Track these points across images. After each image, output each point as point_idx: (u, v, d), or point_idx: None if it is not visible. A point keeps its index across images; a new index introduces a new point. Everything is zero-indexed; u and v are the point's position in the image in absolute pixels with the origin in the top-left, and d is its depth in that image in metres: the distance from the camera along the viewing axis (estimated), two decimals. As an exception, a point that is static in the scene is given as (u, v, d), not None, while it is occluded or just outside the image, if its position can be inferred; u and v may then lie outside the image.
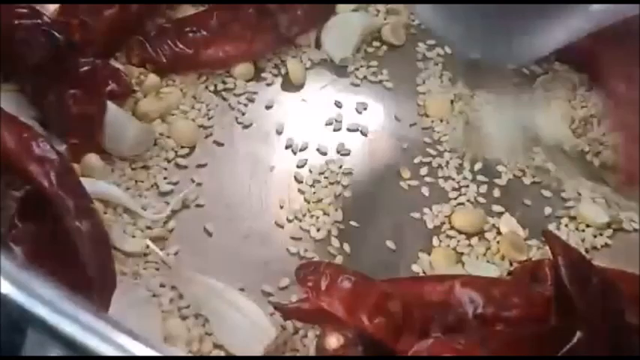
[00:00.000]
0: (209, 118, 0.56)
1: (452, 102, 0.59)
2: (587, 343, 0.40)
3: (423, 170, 0.56)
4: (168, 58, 0.56)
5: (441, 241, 0.52)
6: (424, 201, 0.54)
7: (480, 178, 0.56)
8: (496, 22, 0.37)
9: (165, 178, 0.52)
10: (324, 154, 0.55)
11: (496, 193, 0.55)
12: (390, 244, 0.52)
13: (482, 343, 0.40)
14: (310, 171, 0.54)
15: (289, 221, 0.52)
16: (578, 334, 0.40)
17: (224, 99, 0.57)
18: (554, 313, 0.42)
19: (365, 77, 0.60)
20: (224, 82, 0.57)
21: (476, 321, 0.43)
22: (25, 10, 0.49)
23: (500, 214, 0.54)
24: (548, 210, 0.55)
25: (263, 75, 0.58)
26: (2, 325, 0.26)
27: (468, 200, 0.55)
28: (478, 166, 0.56)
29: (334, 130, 0.57)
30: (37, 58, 0.49)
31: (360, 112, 0.58)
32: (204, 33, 0.56)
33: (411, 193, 0.55)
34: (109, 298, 0.42)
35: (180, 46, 0.56)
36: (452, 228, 0.53)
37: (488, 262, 0.52)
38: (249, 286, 0.49)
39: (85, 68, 0.50)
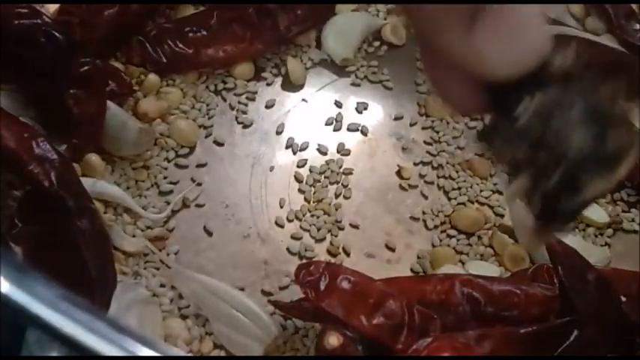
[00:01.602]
0: (209, 118, 0.56)
1: (452, 102, 0.59)
2: (584, 341, 0.40)
3: (423, 170, 0.56)
4: (169, 58, 0.56)
5: (441, 240, 0.52)
6: (424, 201, 0.54)
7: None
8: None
9: (165, 178, 0.53)
10: (324, 153, 0.55)
11: (496, 193, 0.55)
12: (390, 244, 0.52)
13: (481, 343, 0.40)
14: (310, 171, 0.54)
15: (289, 221, 0.52)
16: (575, 332, 0.40)
17: (224, 99, 0.57)
18: (558, 312, 0.42)
19: (365, 77, 0.60)
20: (224, 82, 0.57)
21: (476, 320, 0.43)
22: (25, 10, 0.49)
23: (500, 215, 0.54)
24: (548, 210, 0.55)
25: (263, 75, 0.58)
26: (2, 325, 0.26)
27: (469, 200, 0.55)
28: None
29: (334, 130, 0.57)
30: (37, 58, 0.49)
31: (360, 112, 0.58)
32: (204, 33, 0.56)
33: (411, 193, 0.55)
34: (109, 298, 0.42)
35: (181, 46, 0.56)
36: (452, 228, 0.53)
37: (488, 261, 0.52)
38: (249, 286, 0.49)
39: (85, 68, 0.50)
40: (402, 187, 0.55)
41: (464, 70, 0.23)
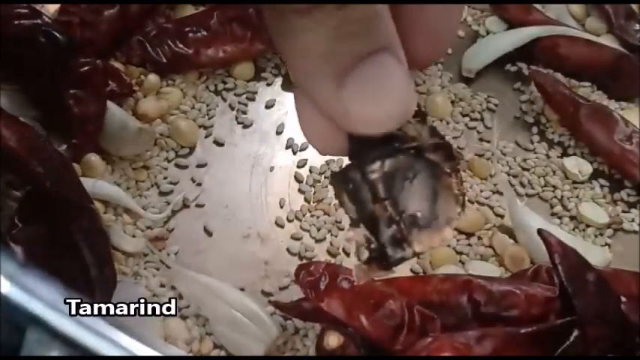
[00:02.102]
0: (209, 118, 0.56)
1: (452, 102, 0.59)
2: (584, 341, 0.40)
3: (423, 170, 0.56)
4: (169, 58, 0.56)
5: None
6: (424, 201, 0.54)
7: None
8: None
9: (165, 178, 0.53)
10: (325, 154, 0.55)
11: (496, 193, 0.55)
12: (390, 244, 0.52)
13: (481, 343, 0.40)
14: (310, 171, 0.54)
15: (289, 221, 0.52)
16: (575, 332, 0.40)
17: (224, 99, 0.57)
18: (558, 312, 0.42)
19: (365, 77, 0.60)
20: (224, 82, 0.57)
21: (476, 320, 0.43)
22: (25, 10, 0.49)
23: (500, 215, 0.54)
24: (548, 210, 0.55)
25: (263, 75, 0.58)
26: (2, 325, 0.26)
27: (469, 200, 0.55)
28: (478, 166, 0.56)
29: (334, 130, 0.57)
30: (37, 58, 0.49)
31: (360, 112, 0.58)
32: (204, 33, 0.56)
33: (411, 193, 0.55)
34: (108, 298, 0.42)
35: (180, 46, 0.56)
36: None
37: (488, 261, 0.52)
38: (249, 286, 0.49)
39: (85, 68, 0.50)
40: (402, 187, 0.55)
41: (326, 116, 0.24)
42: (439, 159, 0.26)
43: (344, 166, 0.26)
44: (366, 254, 0.26)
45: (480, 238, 0.53)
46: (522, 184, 0.56)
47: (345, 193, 0.26)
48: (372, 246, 0.26)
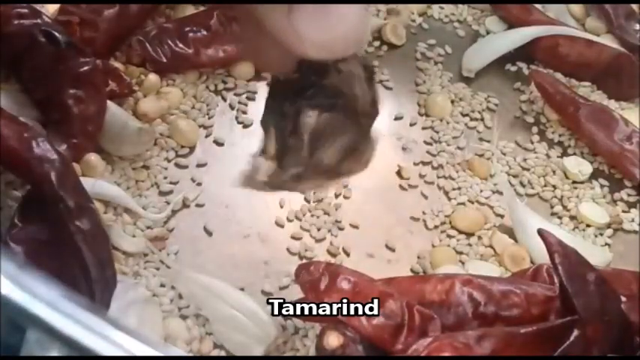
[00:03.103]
0: (209, 118, 0.56)
1: (452, 102, 0.59)
2: (584, 340, 0.40)
3: (423, 170, 0.56)
4: (169, 58, 0.56)
5: (441, 240, 0.52)
6: (424, 201, 0.54)
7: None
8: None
9: (165, 178, 0.52)
10: (324, 153, 0.55)
11: (496, 193, 0.55)
12: (390, 244, 0.52)
13: (481, 343, 0.40)
14: (310, 171, 0.54)
15: (289, 221, 0.52)
16: (575, 332, 0.40)
17: (224, 99, 0.57)
18: (558, 312, 0.42)
19: (365, 77, 0.60)
20: (224, 82, 0.57)
21: (476, 320, 0.43)
22: (25, 10, 0.49)
23: (500, 215, 0.54)
24: (548, 210, 0.55)
25: (263, 75, 0.58)
26: (2, 325, 0.26)
27: (469, 200, 0.55)
28: (478, 165, 0.56)
29: (334, 130, 0.57)
30: (37, 58, 0.49)
31: (360, 112, 0.58)
32: (204, 33, 0.56)
33: (411, 193, 0.55)
34: (109, 298, 0.42)
35: (181, 45, 0.56)
36: (452, 228, 0.53)
37: (488, 261, 0.52)
38: (249, 286, 0.49)
39: (85, 68, 0.50)
40: (402, 187, 0.55)
41: (280, 41, 0.24)
42: (368, 124, 0.27)
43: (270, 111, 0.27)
44: (279, 185, 0.30)
45: (480, 238, 0.53)
46: (522, 184, 0.56)
47: (274, 129, 0.28)
48: (284, 179, 0.29)
